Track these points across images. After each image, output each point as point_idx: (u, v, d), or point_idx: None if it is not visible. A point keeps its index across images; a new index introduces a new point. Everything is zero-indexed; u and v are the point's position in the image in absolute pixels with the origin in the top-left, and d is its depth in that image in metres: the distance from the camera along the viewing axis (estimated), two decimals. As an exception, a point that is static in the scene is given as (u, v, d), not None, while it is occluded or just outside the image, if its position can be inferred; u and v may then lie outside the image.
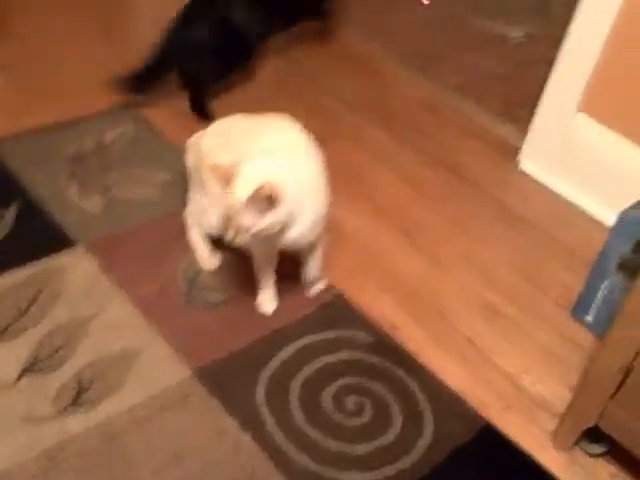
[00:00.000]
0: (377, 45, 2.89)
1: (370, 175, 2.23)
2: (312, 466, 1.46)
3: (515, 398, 1.66)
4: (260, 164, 1.51)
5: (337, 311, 1.78)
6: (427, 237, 2.04)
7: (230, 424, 1.51)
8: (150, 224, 1.96)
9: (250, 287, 1.79)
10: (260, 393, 1.58)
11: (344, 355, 1.69)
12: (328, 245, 1.79)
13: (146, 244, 1.89)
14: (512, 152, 2.40)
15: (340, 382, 1.63)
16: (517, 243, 2.07)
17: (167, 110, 2.35)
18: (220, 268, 1.85)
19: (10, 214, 1.92)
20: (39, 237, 1.87)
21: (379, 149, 2.35)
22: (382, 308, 1.81)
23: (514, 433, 1.58)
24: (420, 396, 1.62)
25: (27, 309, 1.69)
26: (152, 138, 2.25)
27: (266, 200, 1.43)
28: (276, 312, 1.76)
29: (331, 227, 1.94)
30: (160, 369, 1.60)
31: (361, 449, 1.51)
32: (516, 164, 2.37)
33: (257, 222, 1.46)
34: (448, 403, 1.61)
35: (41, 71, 2.46)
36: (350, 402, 1.59)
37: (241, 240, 1.50)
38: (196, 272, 1.84)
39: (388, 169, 2.27)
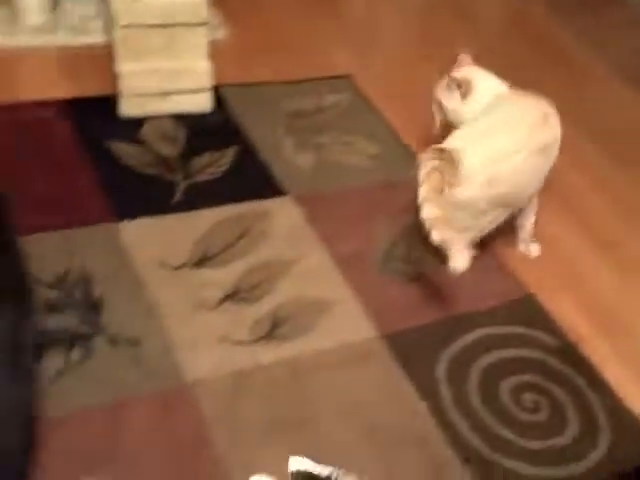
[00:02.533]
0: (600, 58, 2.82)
1: (581, 193, 2.19)
2: (482, 447, 1.48)
3: (697, 436, 1.60)
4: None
5: (526, 310, 1.78)
6: (627, 259, 1.99)
7: (408, 390, 1.56)
8: (356, 190, 2.03)
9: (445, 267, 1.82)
10: (440, 369, 1.61)
11: (526, 353, 1.69)
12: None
13: (350, 208, 1.96)
14: None
15: (520, 377, 1.63)
16: None
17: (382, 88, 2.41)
18: (415, 244, 1.90)
19: (229, 154, 2.06)
20: (252, 180, 2.00)
21: (594, 166, 2.30)
22: (571, 316, 1.79)
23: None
24: (599, 410, 1.59)
25: (235, 243, 1.81)
26: (367, 111, 2.32)
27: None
28: (466, 298, 1.78)
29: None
30: (349, 324, 1.67)
31: (533, 444, 1.51)
32: None
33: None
34: (628, 424, 1.58)
35: (270, 27, 2.60)
36: (528, 398, 1.59)
37: None
38: (393, 243, 1.89)
39: (600, 186, 2.22)
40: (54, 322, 1.54)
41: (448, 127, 1.85)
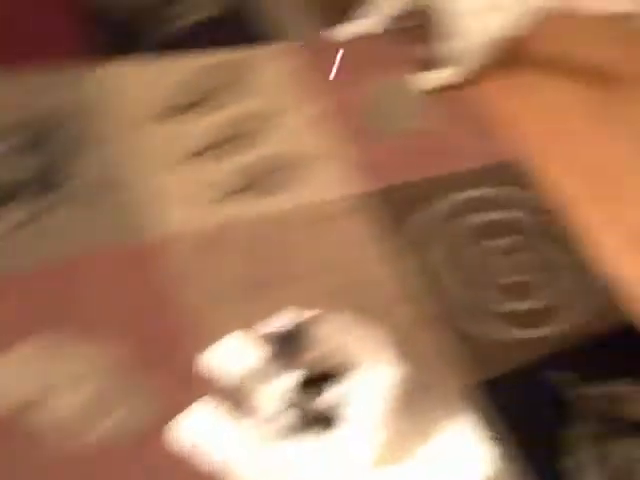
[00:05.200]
0: None
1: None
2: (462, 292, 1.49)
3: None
4: None
5: (515, 172, 1.76)
6: (624, 128, 1.93)
7: (391, 247, 1.54)
8: (357, 39, 1.92)
9: (435, 124, 1.77)
10: (421, 228, 1.59)
11: (514, 214, 1.67)
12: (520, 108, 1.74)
13: (352, 57, 1.87)
14: None
15: (504, 239, 1.62)
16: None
17: None
18: (408, 97, 1.83)
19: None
20: (243, 26, 1.87)
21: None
22: (561, 179, 1.76)
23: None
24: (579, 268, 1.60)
25: (218, 91, 1.72)
26: None
27: None
28: (455, 156, 1.74)
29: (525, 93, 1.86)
30: (333, 180, 1.63)
31: (518, 305, 1.52)
32: None
33: None
34: (608, 286, 1.59)
35: None
36: (514, 258, 1.59)
37: None
38: (384, 99, 1.82)
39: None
40: (20, 167, 1.47)
41: None
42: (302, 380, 1.11)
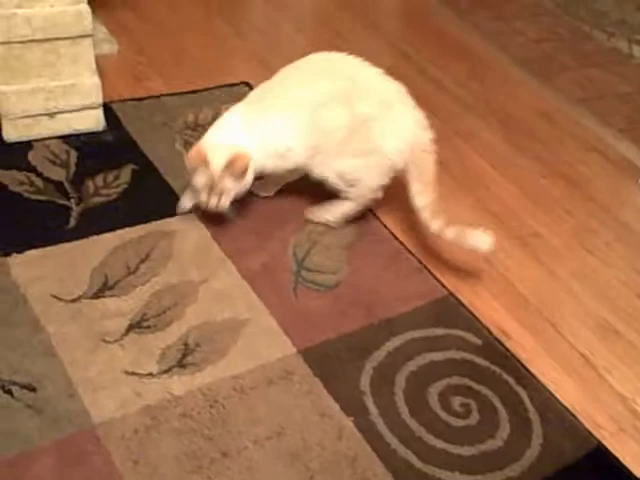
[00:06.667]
0: (493, 43, 2.83)
1: (485, 178, 2.17)
2: (415, 461, 1.41)
3: (629, 422, 1.57)
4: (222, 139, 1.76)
5: (448, 309, 1.73)
6: (543, 248, 1.96)
7: (333, 407, 1.47)
8: (262, 200, 1.94)
9: (362, 273, 1.76)
10: (365, 381, 1.53)
11: (452, 354, 1.63)
12: (440, 243, 1.76)
13: (258, 218, 1.87)
14: (633, 171, 2.30)
15: (447, 381, 1.57)
16: (638, 266, 1.97)
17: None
18: (330, 251, 1.82)
19: (126, 174, 1.94)
20: (152, 200, 1.88)
21: (494, 153, 2.28)
22: (493, 313, 1.75)
23: (627, 458, 1.49)
24: (529, 406, 1.55)
25: (137, 267, 1.69)
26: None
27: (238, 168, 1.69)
28: (385, 303, 1.71)
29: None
30: (265, 343, 1.58)
31: (466, 451, 1.45)
32: (638, 184, 2.27)
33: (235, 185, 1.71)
34: (558, 418, 1.54)
35: (159, 40, 2.49)
36: (456, 402, 1.53)
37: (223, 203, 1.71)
38: (306, 252, 1.81)
39: (503, 174, 2.20)
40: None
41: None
42: None
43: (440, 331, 1.67)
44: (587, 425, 1.53)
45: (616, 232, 2.07)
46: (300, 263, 1.78)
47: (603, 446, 1.50)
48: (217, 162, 1.69)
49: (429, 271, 1.81)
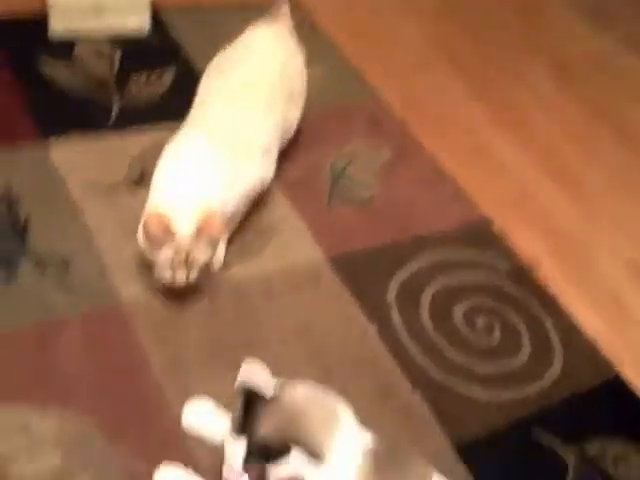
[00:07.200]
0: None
1: (529, 117, 2.14)
2: (433, 371, 1.42)
3: (651, 361, 1.57)
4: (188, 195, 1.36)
5: (481, 234, 1.72)
6: (581, 187, 1.94)
7: (358, 313, 1.48)
8: (306, 115, 1.92)
9: (398, 191, 1.75)
10: (391, 293, 1.54)
11: (481, 277, 1.63)
12: (481, 172, 1.74)
13: (300, 132, 1.86)
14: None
15: (473, 301, 1.57)
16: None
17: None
18: (368, 168, 1.82)
19: (168, 75, 1.93)
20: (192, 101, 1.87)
21: (542, 91, 2.24)
22: (526, 242, 1.73)
23: (644, 392, 1.49)
24: (552, 333, 1.55)
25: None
26: (311, 33, 2.20)
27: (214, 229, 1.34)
28: (418, 221, 1.71)
29: (484, 155, 1.89)
30: (296, 248, 1.59)
31: (485, 367, 1.46)
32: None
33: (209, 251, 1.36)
34: (581, 346, 1.54)
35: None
36: (481, 321, 1.54)
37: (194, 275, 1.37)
38: (343, 168, 1.80)
39: (547, 114, 2.16)
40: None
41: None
42: (253, 448, 1.03)
43: (471, 253, 1.67)
44: (608, 357, 1.53)
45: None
46: (337, 177, 1.78)
47: (622, 377, 1.50)
48: (185, 228, 1.33)
49: (465, 195, 1.79)
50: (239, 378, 1.06)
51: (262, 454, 1.03)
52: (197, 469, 1.16)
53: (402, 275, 1.58)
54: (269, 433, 1.03)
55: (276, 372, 1.20)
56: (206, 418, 1.23)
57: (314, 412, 1.07)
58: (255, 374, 1.07)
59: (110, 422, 1.21)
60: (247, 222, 1.60)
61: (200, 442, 1.21)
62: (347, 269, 1.56)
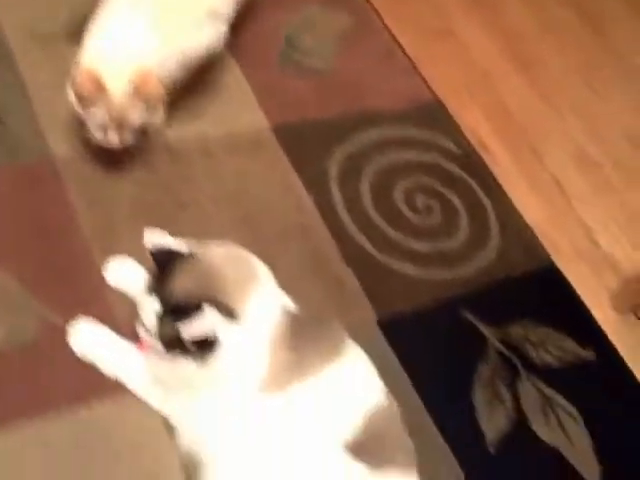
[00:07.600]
0: None
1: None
2: (368, 247, 1.42)
3: (587, 251, 1.58)
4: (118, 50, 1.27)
5: (432, 114, 1.68)
6: (543, 74, 1.89)
7: (296, 183, 1.46)
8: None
9: (351, 64, 1.70)
10: (333, 165, 1.52)
11: (427, 157, 1.60)
12: (441, 51, 1.68)
13: None
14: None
15: (416, 180, 1.55)
16: (637, 108, 1.91)
17: None
18: (323, 38, 1.75)
19: None
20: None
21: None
22: (478, 126, 1.70)
23: (576, 282, 1.50)
24: (492, 216, 1.54)
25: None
26: None
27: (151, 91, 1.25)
28: (370, 96, 1.66)
29: (446, 37, 1.83)
30: (240, 114, 1.54)
31: (420, 246, 1.45)
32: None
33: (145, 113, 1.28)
34: (518, 232, 1.54)
35: None
36: (421, 201, 1.52)
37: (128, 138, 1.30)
38: (298, 34, 1.73)
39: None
40: None
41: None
42: (165, 307, 1.02)
43: (420, 133, 1.64)
44: (545, 245, 1.53)
45: (623, 74, 1.99)
46: (290, 45, 1.71)
47: (556, 267, 1.51)
48: (118, 86, 1.25)
49: (420, 74, 1.74)
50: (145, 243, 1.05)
51: (174, 311, 1.02)
52: (116, 328, 1.16)
53: (346, 149, 1.55)
54: (182, 290, 1.02)
55: (204, 234, 1.19)
56: (126, 275, 1.22)
57: (231, 271, 1.06)
58: (158, 239, 1.05)
59: (31, 277, 1.20)
60: (192, 85, 1.54)
61: (122, 302, 1.20)
62: (290, 138, 1.52)
